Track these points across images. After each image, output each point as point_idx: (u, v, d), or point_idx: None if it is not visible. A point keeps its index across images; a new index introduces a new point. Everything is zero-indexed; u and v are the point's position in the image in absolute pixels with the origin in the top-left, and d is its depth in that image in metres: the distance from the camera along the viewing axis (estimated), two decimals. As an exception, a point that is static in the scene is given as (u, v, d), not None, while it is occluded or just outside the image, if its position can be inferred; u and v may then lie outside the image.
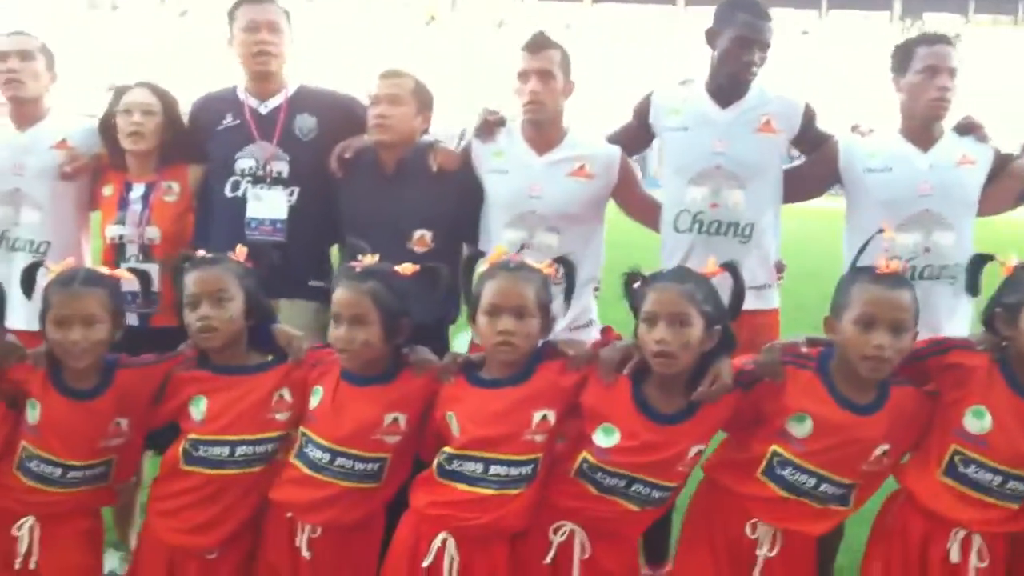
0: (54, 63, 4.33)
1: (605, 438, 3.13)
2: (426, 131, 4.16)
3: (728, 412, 3.13)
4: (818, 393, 3.09)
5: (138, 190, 4.14)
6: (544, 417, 3.13)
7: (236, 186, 4.09)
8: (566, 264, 3.31)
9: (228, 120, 4.16)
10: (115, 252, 4.10)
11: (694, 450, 3.12)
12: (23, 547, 3.28)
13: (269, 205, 4.06)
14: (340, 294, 3.20)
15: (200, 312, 3.23)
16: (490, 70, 40.31)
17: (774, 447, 3.11)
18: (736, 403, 3.13)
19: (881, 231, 3.38)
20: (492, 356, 3.19)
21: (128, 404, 3.30)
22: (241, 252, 3.45)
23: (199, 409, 3.29)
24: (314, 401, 3.28)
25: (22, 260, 4.13)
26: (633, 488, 3.13)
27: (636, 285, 3.15)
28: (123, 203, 4.13)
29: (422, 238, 3.95)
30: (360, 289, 3.18)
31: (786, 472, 3.10)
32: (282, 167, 4.09)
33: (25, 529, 3.28)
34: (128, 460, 3.42)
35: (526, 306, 3.11)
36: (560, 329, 3.44)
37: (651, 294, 3.06)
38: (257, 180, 4.08)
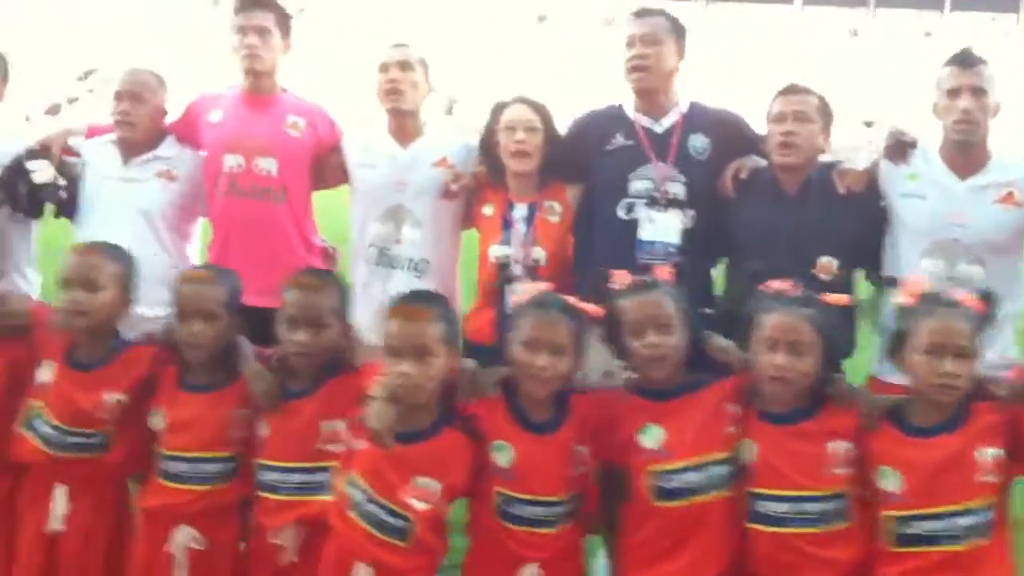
0: (429, 75, 4.32)
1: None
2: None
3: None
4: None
5: (520, 210, 4.11)
6: (993, 456, 3.01)
7: (630, 208, 3.99)
8: (989, 298, 3.15)
9: (619, 139, 4.05)
10: (498, 273, 4.07)
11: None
12: None
13: (662, 228, 3.95)
14: (779, 319, 3.11)
15: (648, 340, 3.17)
16: (598, 69, 40.32)
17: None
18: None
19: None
20: (931, 396, 3.05)
21: (586, 432, 3.22)
22: (622, 276, 3.35)
23: (653, 437, 3.18)
24: (749, 455, 3.16)
25: (401, 277, 4.17)
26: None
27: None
28: (506, 223, 4.10)
29: (827, 264, 3.81)
30: (801, 314, 3.09)
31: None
32: (678, 189, 3.98)
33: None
34: (590, 493, 3.32)
35: (968, 345, 3.01)
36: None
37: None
38: (652, 202, 3.97)
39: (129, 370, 3.46)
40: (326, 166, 4.43)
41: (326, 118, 4.47)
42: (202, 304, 3.37)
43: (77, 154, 4.42)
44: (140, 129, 4.33)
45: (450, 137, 4.44)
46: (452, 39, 42.97)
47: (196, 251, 4.54)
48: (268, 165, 4.29)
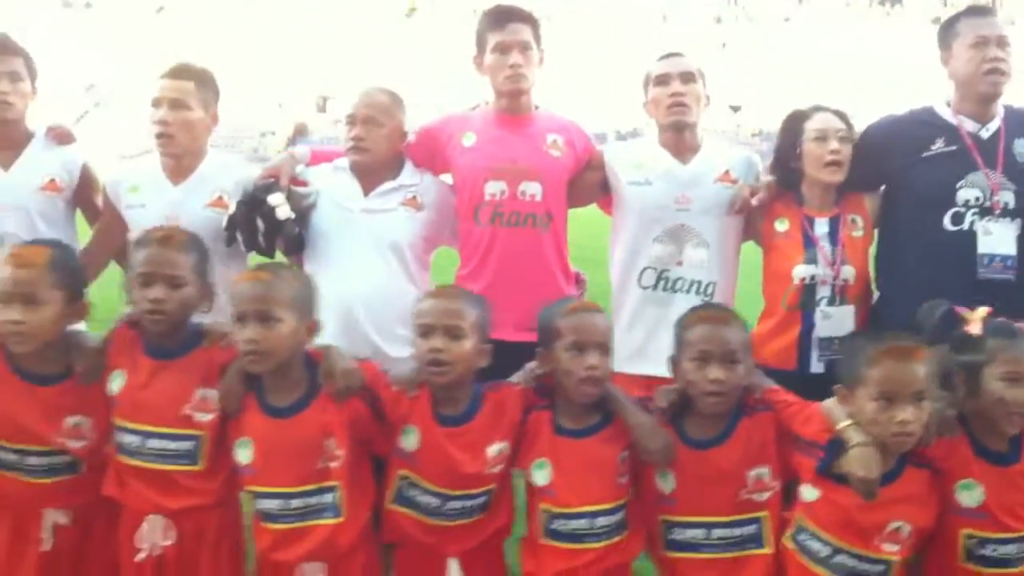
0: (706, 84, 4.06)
1: None
2: None
3: None
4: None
5: (822, 225, 3.88)
6: None
7: (959, 218, 3.77)
8: None
9: (939, 145, 3.83)
10: (802, 294, 3.83)
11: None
12: None
13: (1000, 240, 3.74)
14: None
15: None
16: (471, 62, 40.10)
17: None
18: None
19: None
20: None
21: None
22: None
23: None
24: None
25: (681, 302, 3.91)
26: None
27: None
28: (808, 240, 3.86)
29: None
30: None
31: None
32: (1008, 197, 3.76)
33: None
34: None
35: None
36: None
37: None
38: (984, 212, 3.77)
39: (500, 418, 3.15)
40: (582, 184, 4.12)
41: (581, 133, 4.16)
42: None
43: (305, 183, 4.00)
44: (376, 155, 3.93)
45: (728, 150, 4.19)
46: (321, 34, 42.08)
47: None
48: (533, 190, 3.95)
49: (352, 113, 3.94)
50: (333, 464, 3.04)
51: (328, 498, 3.05)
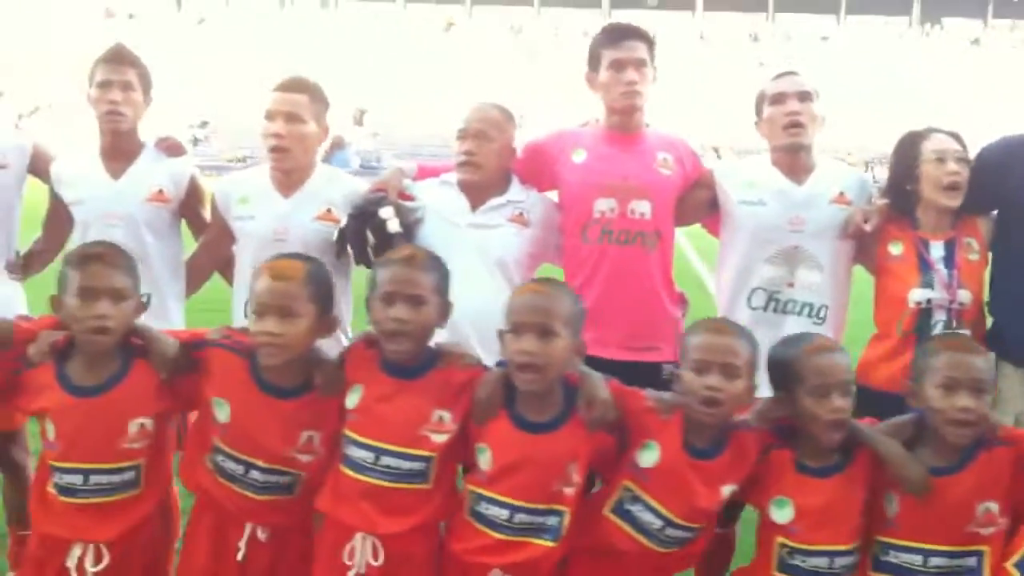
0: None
1: None
2: None
3: None
4: None
5: (937, 249, 3.81)
6: None
7: None
8: None
9: None
10: (918, 318, 3.76)
11: None
12: None
13: None
14: None
15: None
16: (507, 77, 40.25)
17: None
18: None
19: None
20: None
21: None
22: None
23: None
24: None
25: (793, 324, 3.86)
26: None
27: None
28: (924, 264, 3.79)
29: None
30: None
31: None
32: None
33: None
34: None
35: None
36: None
37: None
38: None
39: (741, 460, 3.09)
40: (690, 202, 4.07)
41: (690, 151, 4.12)
42: None
43: (412, 197, 3.98)
44: (486, 170, 3.91)
45: (841, 170, 4.13)
46: (359, 47, 42.28)
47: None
48: (643, 208, 3.90)
49: (464, 128, 3.91)
50: (567, 490, 3.01)
51: (553, 521, 3.01)
